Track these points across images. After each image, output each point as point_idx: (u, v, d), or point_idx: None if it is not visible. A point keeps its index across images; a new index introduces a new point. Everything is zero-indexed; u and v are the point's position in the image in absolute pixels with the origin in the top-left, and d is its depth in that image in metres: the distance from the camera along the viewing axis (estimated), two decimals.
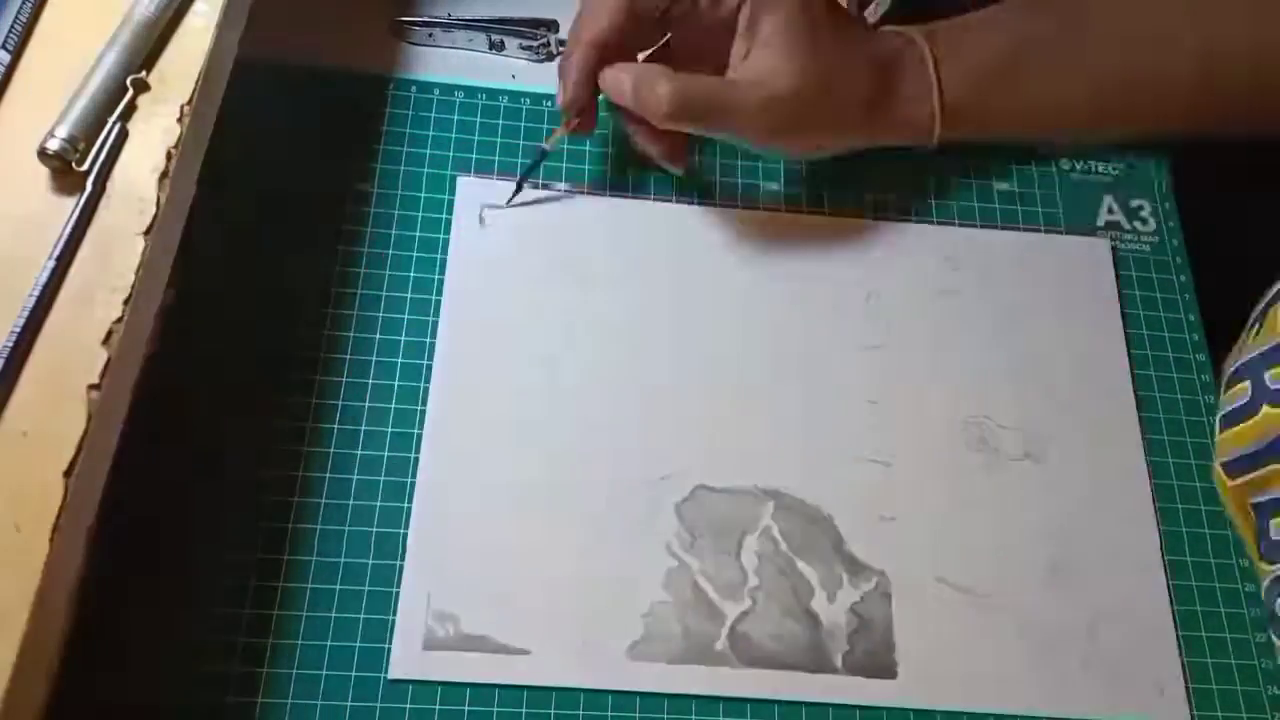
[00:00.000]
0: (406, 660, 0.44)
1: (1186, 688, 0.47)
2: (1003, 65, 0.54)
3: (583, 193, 0.55)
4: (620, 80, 0.49)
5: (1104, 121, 0.58)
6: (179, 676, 0.43)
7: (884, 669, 0.46)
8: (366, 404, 0.49)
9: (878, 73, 0.52)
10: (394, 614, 0.45)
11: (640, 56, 0.52)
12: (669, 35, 0.51)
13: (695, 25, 0.50)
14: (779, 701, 0.45)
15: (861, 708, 0.45)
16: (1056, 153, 0.59)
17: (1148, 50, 0.55)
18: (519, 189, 0.54)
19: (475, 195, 0.54)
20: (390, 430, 0.48)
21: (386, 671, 0.44)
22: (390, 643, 0.44)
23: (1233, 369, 0.51)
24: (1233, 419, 0.50)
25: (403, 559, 0.46)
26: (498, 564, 0.46)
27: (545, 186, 0.55)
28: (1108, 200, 0.59)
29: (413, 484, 0.47)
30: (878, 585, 0.48)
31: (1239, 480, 0.50)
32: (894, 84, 0.52)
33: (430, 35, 0.59)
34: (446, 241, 0.53)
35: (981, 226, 0.57)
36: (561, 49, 0.59)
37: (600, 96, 0.51)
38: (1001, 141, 0.57)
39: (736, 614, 0.46)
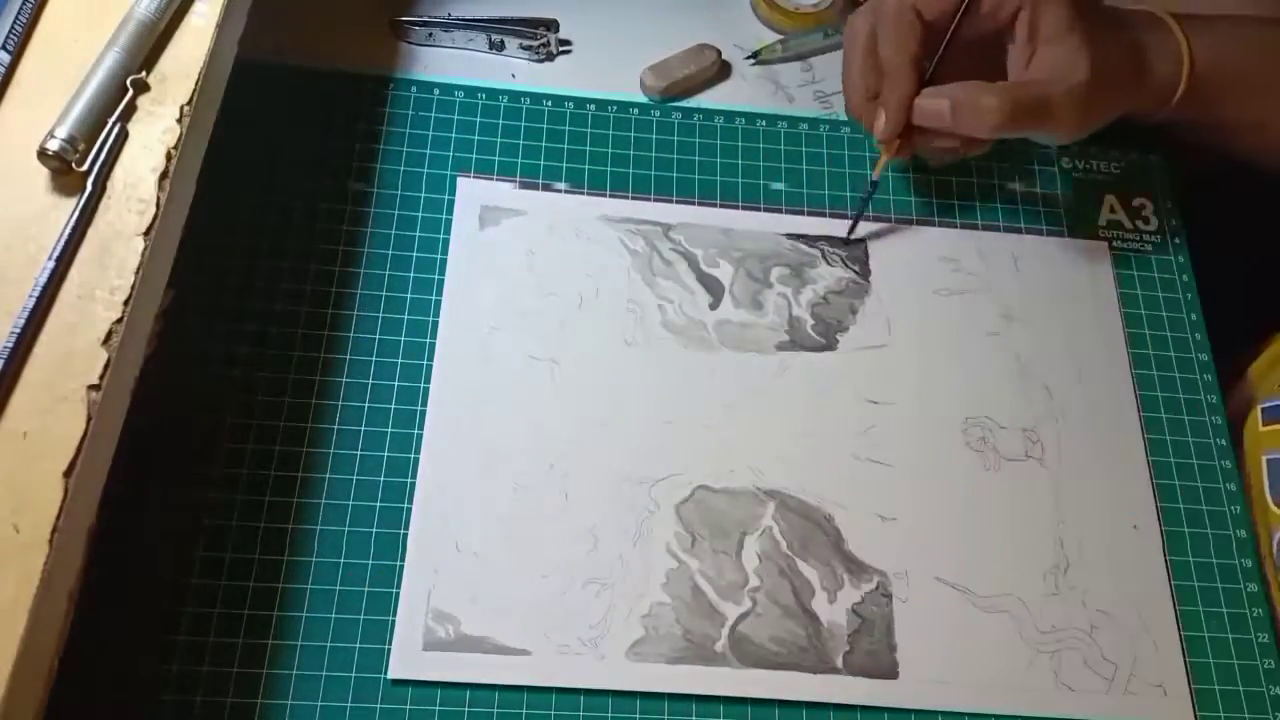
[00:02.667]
0: (406, 660, 0.44)
1: (1190, 688, 0.47)
2: (1241, 60, 0.55)
3: (582, 193, 0.55)
4: (938, 106, 0.50)
5: None
6: (179, 676, 0.43)
7: (885, 669, 0.46)
8: (366, 404, 0.49)
9: (1139, 47, 0.53)
10: (394, 615, 0.45)
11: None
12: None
13: (966, 36, 0.52)
14: (779, 702, 0.45)
15: (862, 708, 0.45)
16: (1057, 154, 0.59)
17: None
18: (856, 223, 0.55)
19: (475, 195, 0.54)
20: (390, 431, 0.48)
21: (386, 672, 0.44)
22: (390, 644, 0.44)
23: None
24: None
25: (403, 559, 0.46)
26: (498, 565, 0.46)
27: (546, 187, 0.55)
28: (1109, 199, 0.59)
29: (413, 484, 0.47)
30: (879, 586, 0.48)
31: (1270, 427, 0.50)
32: (1149, 57, 0.53)
33: (430, 35, 0.58)
34: (447, 241, 0.53)
35: (984, 226, 0.57)
36: (562, 49, 0.59)
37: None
38: (1211, 127, 0.57)
39: (737, 615, 0.46)
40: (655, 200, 0.55)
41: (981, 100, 0.49)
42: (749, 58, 0.61)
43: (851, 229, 0.55)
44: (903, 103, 0.51)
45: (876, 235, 0.56)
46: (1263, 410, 0.53)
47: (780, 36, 0.62)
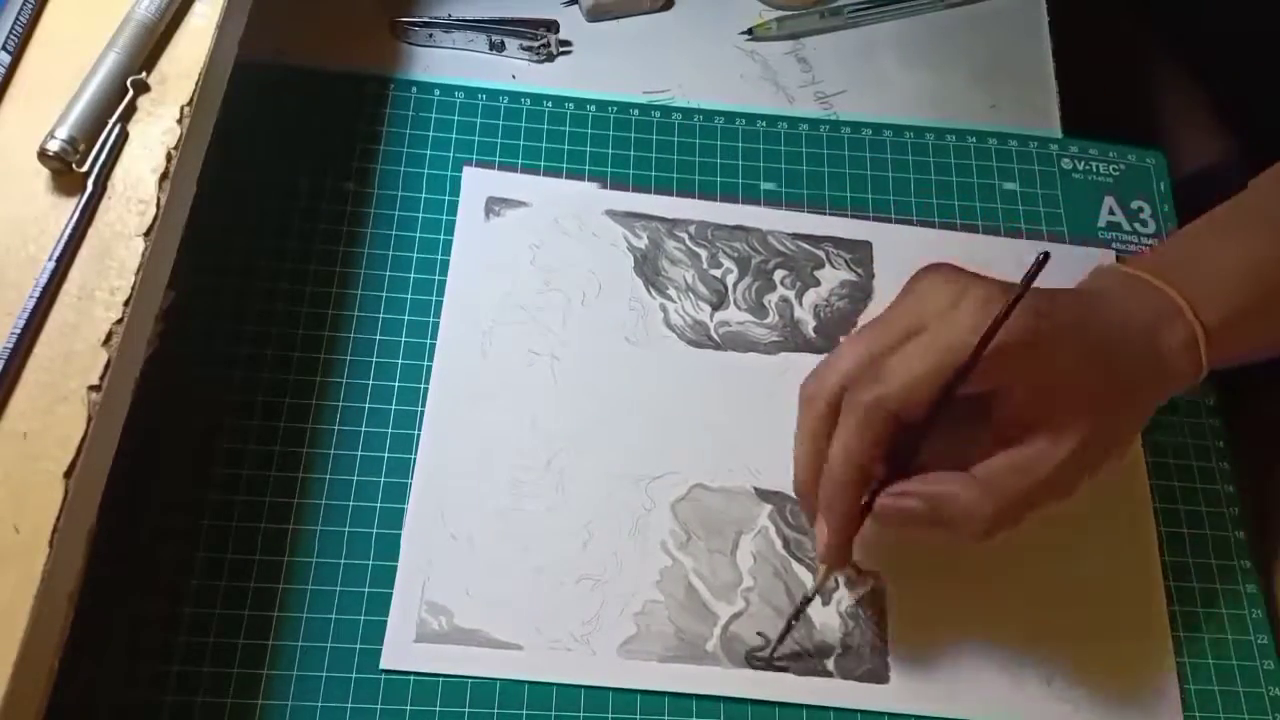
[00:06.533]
0: (398, 652, 0.44)
1: (1183, 698, 0.47)
2: (1244, 301, 0.45)
3: (585, 187, 0.55)
4: (908, 506, 0.41)
5: None
6: (179, 676, 0.43)
7: (876, 674, 0.46)
8: (366, 405, 0.49)
9: (1135, 339, 0.44)
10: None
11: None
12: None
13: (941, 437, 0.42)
14: (780, 703, 0.45)
15: (853, 712, 0.45)
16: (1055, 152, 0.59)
17: None
18: (786, 632, 0.45)
19: (480, 184, 0.54)
20: (390, 431, 0.48)
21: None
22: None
23: None
24: None
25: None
26: (492, 559, 0.46)
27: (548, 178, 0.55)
28: (1108, 201, 0.59)
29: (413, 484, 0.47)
30: (873, 590, 0.48)
31: None
32: (1156, 340, 0.44)
33: (430, 36, 0.58)
34: (447, 242, 0.53)
35: (984, 229, 0.57)
36: (562, 50, 0.59)
37: None
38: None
39: (729, 615, 0.46)
40: (657, 195, 0.55)
41: (964, 492, 0.40)
42: (744, 33, 0.61)
43: (777, 645, 0.45)
44: (851, 517, 0.42)
45: (881, 238, 0.56)
46: None
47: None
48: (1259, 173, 0.51)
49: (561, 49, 0.60)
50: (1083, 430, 0.41)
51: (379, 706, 0.43)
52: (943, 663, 0.46)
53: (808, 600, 0.45)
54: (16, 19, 0.40)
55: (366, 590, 0.45)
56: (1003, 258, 0.56)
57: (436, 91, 0.57)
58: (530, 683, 0.44)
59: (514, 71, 0.59)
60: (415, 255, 0.52)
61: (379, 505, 0.47)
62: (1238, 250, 0.46)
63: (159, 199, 0.39)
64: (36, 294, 0.36)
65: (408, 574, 0.45)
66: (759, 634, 0.46)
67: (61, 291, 0.37)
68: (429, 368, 0.50)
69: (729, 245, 0.54)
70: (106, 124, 0.39)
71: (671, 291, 0.53)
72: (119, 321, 0.37)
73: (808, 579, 0.47)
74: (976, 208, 0.57)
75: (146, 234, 0.38)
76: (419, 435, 0.48)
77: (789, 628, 0.45)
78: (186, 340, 0.47)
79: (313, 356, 0.49)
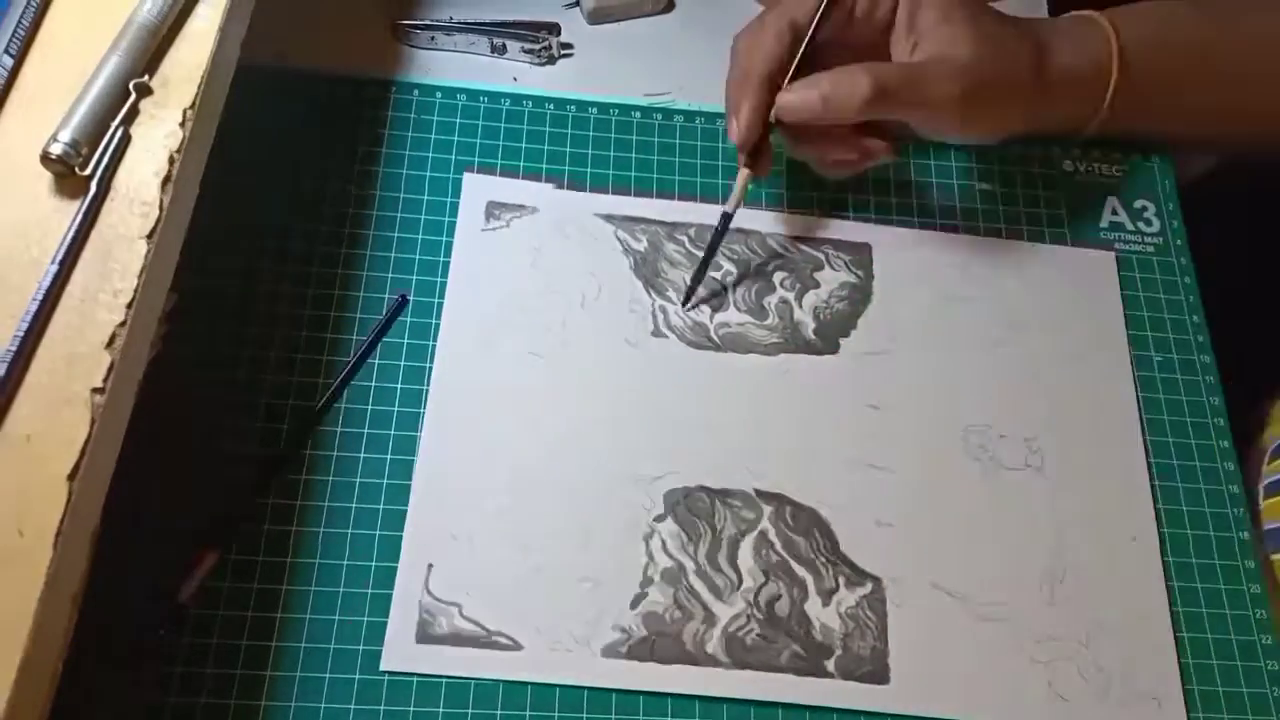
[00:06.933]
0: (399, 653, 0.44)
1: (1186, 699, 0.47)
2: (1166, 36, 0.54)
3: (585, 191, 0.55)
4: (806, 97, 0.48)
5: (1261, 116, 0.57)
6: (183, 678, 0.43)
7: (877, 675, 0.46)
8: (369, 407, 0.49)
9: (1044, 46, 0.52)
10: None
11: (785, 84, 0.50)
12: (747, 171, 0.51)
13: (846, 42, 0.51)
14: (781, 704, 0.45)
15: (853, 712, 0.45)
16: (1066, 153, 0.59)
17: None
18: (695, 284, 0.52)
19: (480, 190, 0.54)
20: (393, 433, 0.48)
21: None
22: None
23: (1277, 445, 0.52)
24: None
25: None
26: (493, 561, 0.46)
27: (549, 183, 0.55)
28: (1111, 202, 0.59)
29: None
30: (874, 591, 0.48)
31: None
32: (1061, 56, 0.52)
33: (432, 39, 0.59)
34: (449, 244, 0.53)
35: (986, 230, 0.57)
36: (564, 52, 0.60)
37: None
38: (1153, 138, 0.57)
39: (730, 616, 0.46)
40: (658, 198, 0.55)
41: (855, 79, 0.48)
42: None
43: (693, 285, 0.52)
44: (757, 107, 0.49)
45: (880, 240, 0.56)
46: None
47: None
48: (1262, 172, 0.51)
49: (563, 51, 0.60)
50: (963, 48, 0.49)
51: (382, 707, 0.43)
52: (943, 664, 0.46)
53: (728, 217, 0.51)
54: (19, 22, 0.40)
55: (369, 592, 0.45)
56: (1004, 260, 0.56)
57: (438, 94, 0.57)
58: (533, 684, 0.44)
59: (515, 74, 0.59)
60: (417, 257, 0.52)
61: (381, 507, 0.47)
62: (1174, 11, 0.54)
63: (161, 202, 0.39)
64: (40, 297, 0.36)
65: (408, 575, 0.45)
66: (760, 636, 0.46)
67: (64, 294, 0.37)
68: (430, 371, 0.50)
69: (728, 247, 0.54)
70: (109, 127, 0.39)
71: (671, 293, 0.53)
72: (122, 324, 0.37)
73: (809, 580, 0.47)
74: (978, 211, 0.57)
75: (149, 236, 0.38)
76: (420, 437, 0.48)
77: (707, 260, 0.51)
78: (189, 342, 0.48)
79: (315, 359, 0.49)
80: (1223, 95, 0.55)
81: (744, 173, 0.51)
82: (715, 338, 0.52)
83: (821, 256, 0.55)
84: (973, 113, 0.51)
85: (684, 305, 0.52)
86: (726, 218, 0.51)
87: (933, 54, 0.50)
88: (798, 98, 0.49)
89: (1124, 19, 0.53)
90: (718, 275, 0.54)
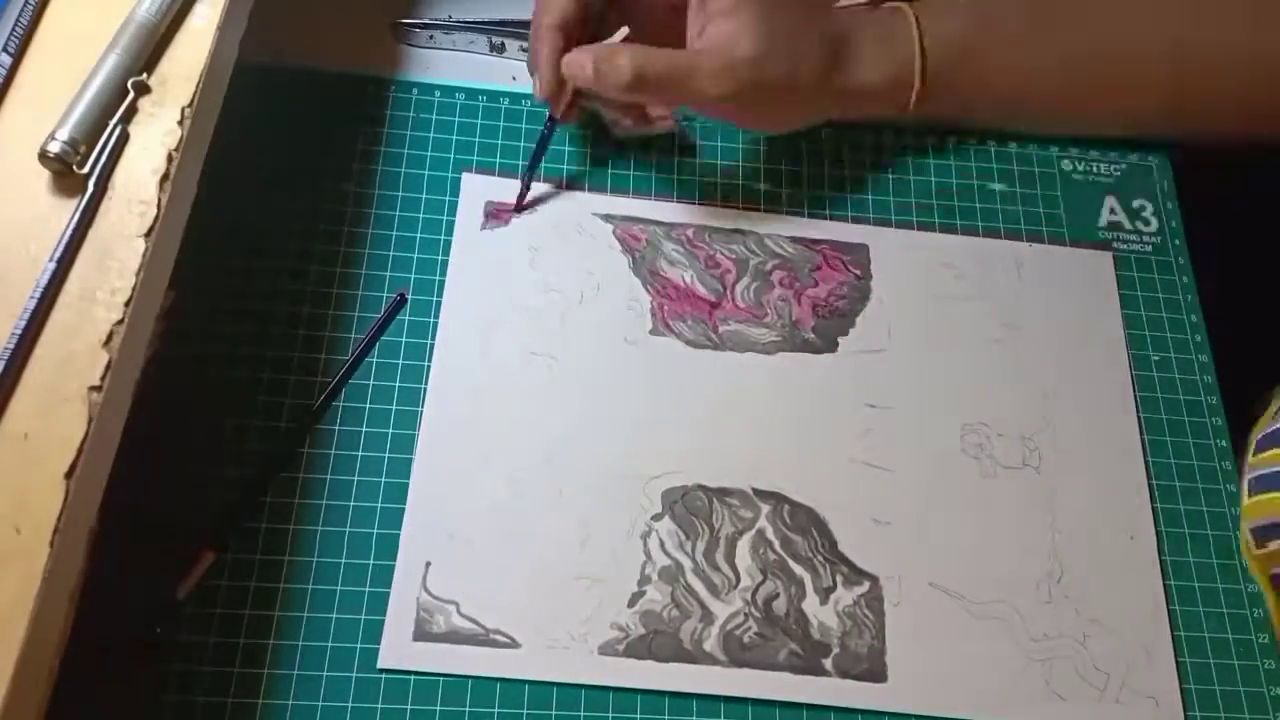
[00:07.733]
0: (395, 651, 0.44)
1: (1183, 698, 0.47)
2: (974, 33, 0.53)
3: (583, 191, 0.55)
4: (579, 61, 0.49)
5: (1076, 99, 0.57)
6: (180, 676, 0.43)
7: (874, 673, 0.46)
8: (367, 406, 0.49)
9: (840, 39, 0.51)
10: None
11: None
12: (625, 29, 0.51)
13: (648, 10, 0.51)
14: (778, 702, 0.45)
15: (850, 711, 0.45)
16: (1055, 142, 0.59)
17: (1117, 23, 0.55)
18: (527, 187, 0.54)
19: (479, 191, 0.54)
20: (391, 432, 0.48)
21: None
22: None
23: (1262, 435, 0.51)
24: (1265, 485, 0.50)
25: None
26: (490, 559, 0.46)
27: (547, 183, 0.55)
28: (1109, 201, 0.59)
29: None
30: (871, 589, 0.48)
31: (1266, 549, 0.49)
32: (858, 50, 0.52)
33: (431, 38, 0.59)
34: (448, 243, 0.53)
35: (984, 230, 0.57)
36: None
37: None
38: (974, 120, 0.57)
39: (728, 614, 0.46)
40: (656, 199, 0.55)
41: (617, 58, 0.48)
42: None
43: (524, 190, 0.53)
44: (549, 60, 0.50)
45: (878, 240, 0.56)
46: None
47: None
48: (1261, 172, 0.51)
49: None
50: (747, 42, 0.48)
51: (379, 706, 0.43)
52: (941, 662, 0.47)
53: (553, 123, 0.52)
54: (17, 20, 0.40)
55: (367, 590, 0.45)
56: (1002, 260, 0.56)
57: (437, 93, 0.57)
58: (531, 682, 0.44)
59: (514, 73, 0.59)
60: (415, 256, 0.52)
61: (379, 505, 0.47)
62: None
63: (160, 200, 0.39)
64: (37, 295, 0.36)
65: (405, 572, 0.45)
66: (758, 634, 0.46)
67: (62, 292, 0.37)
68: (428, 369, 0.50)
69: (727, 247, 0.54)
70: (107, 125, 0.39)
71: (670, 291, 0.53)
72: (120, 322, 0.37)
73: (806, 579, 0.47)
74: (976, 210, 0.57)
75: (147, 235, 0.38)
76: (418, 436, 0.48)
77: (535, 163, 0.53)
78: (187, 341, 0.48)
79: (313, 357, 0.49)
80: (1042, 84, 0.55)
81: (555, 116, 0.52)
82: (714, 336, 0.52)
83: (819, 256, 0.55)
84: (749, 111, 0.51)
85: (516, 209, 0.54)
86: (553, 123, 0.52)
87: (713, 44, 0.49)
88: (576, 62, 0.49)
89: (931, 16, 0.52)
90: (717, 273, 0.54)
